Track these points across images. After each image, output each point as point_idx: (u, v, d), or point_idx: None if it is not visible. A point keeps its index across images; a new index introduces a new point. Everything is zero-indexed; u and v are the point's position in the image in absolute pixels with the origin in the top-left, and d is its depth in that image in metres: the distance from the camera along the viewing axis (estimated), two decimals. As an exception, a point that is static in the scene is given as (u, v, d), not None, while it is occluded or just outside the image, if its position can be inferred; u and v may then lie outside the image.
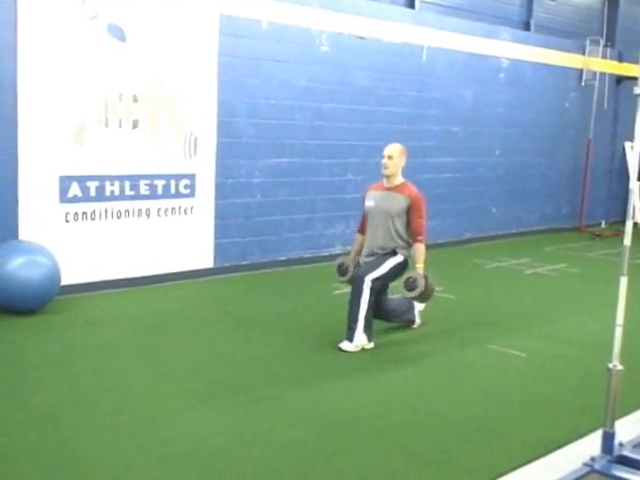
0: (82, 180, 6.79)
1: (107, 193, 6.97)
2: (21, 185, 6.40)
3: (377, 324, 5.73)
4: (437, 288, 5.85)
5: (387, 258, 5.66)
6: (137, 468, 3.55)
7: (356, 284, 5.52)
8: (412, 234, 5.69)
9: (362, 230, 5.93)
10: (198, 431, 3.98)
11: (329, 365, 5.16)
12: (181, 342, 5.56)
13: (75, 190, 6.75)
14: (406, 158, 5.81)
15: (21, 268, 5.97)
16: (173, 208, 7.48)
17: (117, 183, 7.03)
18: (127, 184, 7.10)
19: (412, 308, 6.14)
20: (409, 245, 5.73)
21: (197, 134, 7.56)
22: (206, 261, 7.84)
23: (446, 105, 10.05)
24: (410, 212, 5.67)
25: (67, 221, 6.71)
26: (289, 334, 5.83)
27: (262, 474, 3.55)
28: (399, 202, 5.68)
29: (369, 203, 5.83)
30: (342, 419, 4.23)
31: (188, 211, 7.62)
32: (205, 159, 7.67)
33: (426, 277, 5.56)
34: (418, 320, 6.20)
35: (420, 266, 5.60)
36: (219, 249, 7.88)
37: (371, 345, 5.53)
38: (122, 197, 7.08)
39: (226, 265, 7.94)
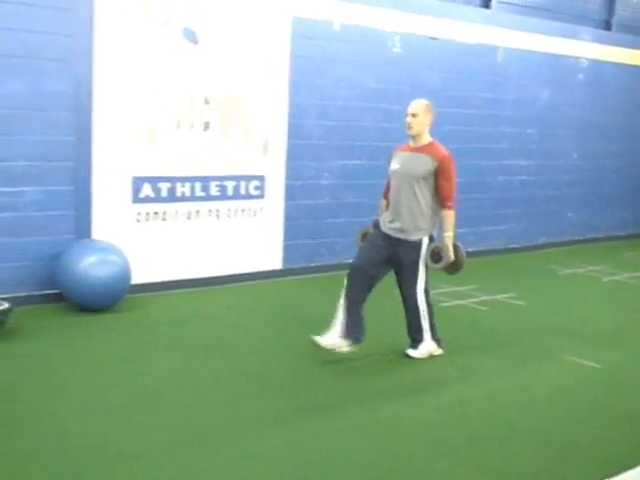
0: (154, 181, 6.89)
1: (178, 194, 7.06)
2: (95, 185, 6.52)
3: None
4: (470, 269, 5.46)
5: (414, 254, 5.20)
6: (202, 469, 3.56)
7: (410, 305, 5.30)
8: (440, 199, 5.21)
9: (386, 195, 5.51)
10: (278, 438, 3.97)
11: (398, 375, 5.07)
12: (248, 342, 5.57)
13: (147, 191, 6.85)
14: (433, 116, 5.26)
15: (93, 266, 6.09)
16: (243, 209, 7.52)
17: (188, 184, 7.11)
18: (198, 185, 7.18)
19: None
20: (434, 213, 5.25)
21: (268, 136, 7.58)
22: (275, 262, 7.85)
23: (521, 106, 9.83)
24: (438, 175, 5.16)
25: (138, 221, 6.82)
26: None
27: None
28: (425, 163, 5.16)
29: (393, 165, 5.35)
30: (410, 428, 4.17)
31: (258, 212, 7.65)
32: (275, 161, 7.69)
33: (456, 247, 5.19)
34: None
35: (449, 235, 5.17)
36: (288, 250, 7.89)
37: (440, 351, 5.41)
38: (193, 198, 7.15)
39: (295, 267, 7.94)
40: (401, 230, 5.23)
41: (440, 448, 3.92)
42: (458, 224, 5.31)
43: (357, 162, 8.29)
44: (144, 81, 6.70)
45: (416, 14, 8.52)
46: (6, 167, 6.06)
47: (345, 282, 5.26)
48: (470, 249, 6.57)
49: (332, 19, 7.86)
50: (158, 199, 6.93)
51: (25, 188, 6.16)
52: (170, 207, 7.02)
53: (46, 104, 6.17)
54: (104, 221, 6.60)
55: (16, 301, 5.78)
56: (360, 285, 5.24)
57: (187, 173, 7.09)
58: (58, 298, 6.24)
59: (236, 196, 7.45)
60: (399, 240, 5.24)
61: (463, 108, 9.15)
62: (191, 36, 6.97)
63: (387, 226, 5.32)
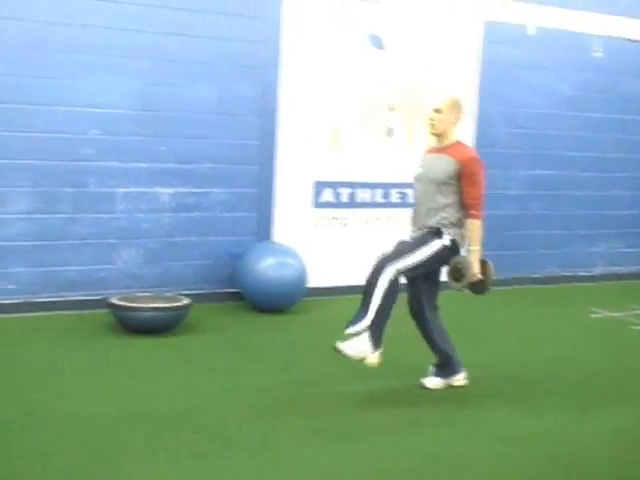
0: (335, 186, 6.94)
1: (358, 200, 7.07)
2: (277, 189, 6.67)
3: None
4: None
5: (426, 241, 4.40)
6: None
7: (372, 273, 4.30)
8: (465, 207, 4.45)
9: None
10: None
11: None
12: (416, 353, 5.44)
13: (328, 196, 6.92)
14: (460, 113, 4.55)
15: (272, 268, 6.21)
16: (424, 217, 7.40)
17: (368, 190, 7.11)
18: (379, 192, 7.15)
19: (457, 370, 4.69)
20: (461, 223, 4.46)
21: (452, 143, 7.41)
22: (456, 273, 7.65)
23: None
24: (461, 179, 4.41)
25: (317, 225, 6.89)
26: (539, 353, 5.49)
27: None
28: (446, 166, 4.42)
29: (417, 169, 4.64)
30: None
31: (439, 221, 7.49)
32: (460, 169, 7.50)
33: (483, 263, 4.43)
34: (462, 376, 4.70)
35: (473, 248, 4.41)
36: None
37: (375, 357, 4.30)
38: (373, 204, 7.14)
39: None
40: (424, 226, 4.48)
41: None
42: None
43: (545, 172, 7.91)
44: (329, 87, 6.77)
45: (620, 15, 8.00)
46: (195, 169, 6.34)
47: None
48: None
49: (525, 23, 7.57)
50: (338, 204, 6.97)
51: (211, 189, 6.42)
52: (350, 212, 7.04)
53: (234, 109, 6.40)
54: (284, 224, 6.73)
55: (197, 298, 6.02)
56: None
57: (368, 179, 7.09)
58: (237, 297, 6.43)
59: (417, 204, 7.35)
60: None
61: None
62: (377, 42, 6.96)
63: (411, 236, 4.59)
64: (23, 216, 5.82)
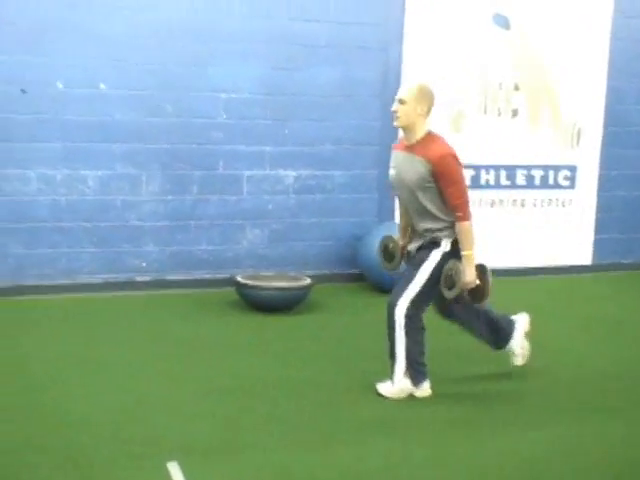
0: (458, 168, 6.87)
1: (482, 182, 6.98)
2: (399, 171, 6.68)
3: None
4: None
5: (424, 259, 4.01)
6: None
7: (387, 313, 4.05)
8: (451, 210, 3.99)
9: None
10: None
11: None
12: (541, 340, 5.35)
13: (450, 177, 6.87)
14: (429, 103, 4.07)
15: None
16: (550, 199, 7.23)
17: (492, 172, 7.01)
18: (503, 173, 7.04)
19: (509, 333, 4.40)
20: (452, 224, 4.02)
21: (581, 124, 7.19)
22: (584, 257, 7.43)
23: None
24: (437, 181, 3.94)
25: (440, 207, 6.86)
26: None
27: None
28: (417, 168, 3.96)
29: (390, 170, 4.18)
30: None
31: (567, 203, 7.30)
32: (588, 149, 7.27)
33: (479, 268, 3.99)
34: (518, 353, 4.44)
35: (468, 253, 3.94)
36: (599, 245, 7.42)
37: (424, 392, 4.12)
38: (497, 186, 7.04)
39: (605, 262, 7.45)
40: (419, 247, 4.11)
41: None
42: None
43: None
44: (452, 68, 6.71)
45: None
46: (318, 151, 6.45)
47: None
48: None
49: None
50: (461, 186, 6.91)
51: (333, 171, 6.51)
52: (473, 195, 6.86)
53: (355, 90, 6.46)
54: (406, 206, 6.73)
55: (319, 278, 6.14)
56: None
57: (492, 161, 6.99)
58: (359, 278, 6.51)
59: (543, 186, 7.19)
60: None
61: None
62: (503, 21, 6.83)
63: (410, 248, 4.22)
64: (155, 197, 6.11)
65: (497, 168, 7.01)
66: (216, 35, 6.06)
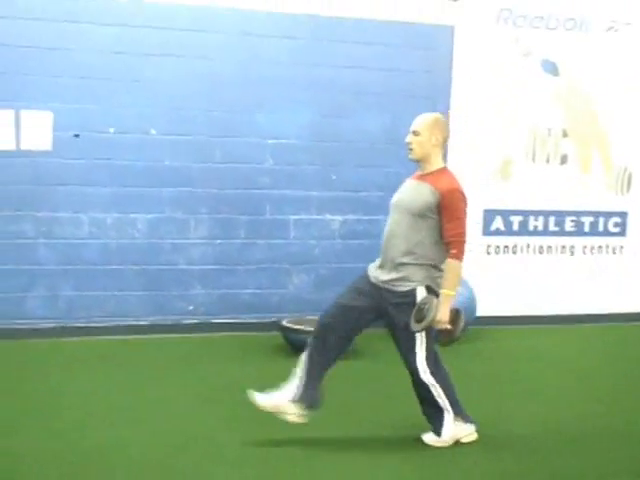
0: (506, 214, 6.85)
1: (530, 228, 6.93)
2: (446, 217, 6.66)
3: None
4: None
5: (407, 311, 3.83)
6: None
7: (414, 381, 3.99)
8: (445, 245, 3.87)
9: None
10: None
11: None
12: (570, 388, 5.23)
13: (498, 223, 6.84)
14: (444, 134, 4.03)
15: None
16: (600, 246, 7.13)
17: (541, 218, 6.96)
18: (552, 219, 6.98)
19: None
20: (435, 264, 3.89)
21: (631, 169, 7.12)
22: (635, 304, 7.29)
23: None
24: (441, 213, 3.86)
25: (488, 253, 6.82)
26: None
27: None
28: (424, 196, 3.88)
29: (395, 195, 4.10)
30: None
31: (617, 250, 7.19)
32: (639, 195, 7.19)
33: (455, 312, 3.85)
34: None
35: (447, 293, 3.80)
36: (650, 293, 7.29)
37: (473, 435, 4.10)
38: (545, 232, 6.98)
39: (657, 311, 7.31)
40: (388, 280, 3.94)
41: None
42: None
43: None
44: (500, 114, 6.72)
45: None
46: (364, 196, 6.48)
47: (311, 340, 4.13)
48: None
49: None
50: (509, 232, 6.87)
51: (380, 216, 6.50)
52: (521, 241, 6.91)
53: (401, 137, 6.35)
54: (453, 252, 6.70)
55: (365, 323, 6.10)
56: (330, 345, 4.09)
57: (541, 207, 6.94)
58: (405, 324, 6.45)
59: (593, 232, 7.10)
60: (387, 291, 3.95)
61: None
62: (551, 67, 6.83)
63: (373, 273, 4.07)
64: (203, 241, 6.19)
65: (546, 214, 6.95)
66: (264, 83, 6.17)
